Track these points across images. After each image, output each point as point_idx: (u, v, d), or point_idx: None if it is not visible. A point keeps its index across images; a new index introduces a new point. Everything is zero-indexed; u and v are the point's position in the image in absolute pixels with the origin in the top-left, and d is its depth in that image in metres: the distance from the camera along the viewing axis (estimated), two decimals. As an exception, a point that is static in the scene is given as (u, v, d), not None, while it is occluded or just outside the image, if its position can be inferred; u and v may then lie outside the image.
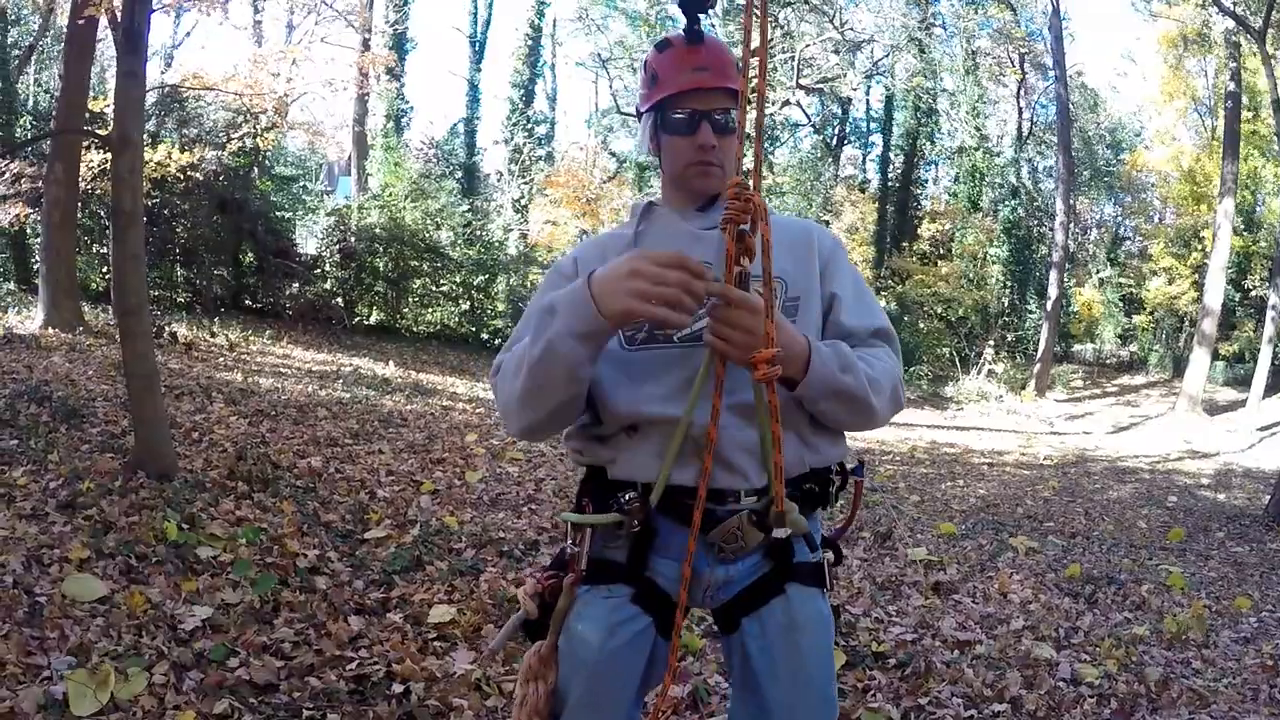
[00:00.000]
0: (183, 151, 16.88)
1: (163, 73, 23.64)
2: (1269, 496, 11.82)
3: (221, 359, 12.98)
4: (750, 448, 1.62)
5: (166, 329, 13.68)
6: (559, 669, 1.71)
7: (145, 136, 16.44)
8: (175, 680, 3.13)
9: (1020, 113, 36.12)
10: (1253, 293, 31.24)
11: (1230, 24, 24.77)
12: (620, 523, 1.63)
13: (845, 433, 1.79)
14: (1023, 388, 27.68)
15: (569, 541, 1.74)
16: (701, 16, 1.80)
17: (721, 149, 1.78)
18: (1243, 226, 29.97)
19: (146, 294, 6.11)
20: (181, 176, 16.70)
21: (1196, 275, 31.41)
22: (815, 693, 1.70)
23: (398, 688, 3.30)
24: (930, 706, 3.80)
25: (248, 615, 3.75)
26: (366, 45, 26.17)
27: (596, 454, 1.71)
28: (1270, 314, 24.51)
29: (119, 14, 6.13)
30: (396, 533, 5.33)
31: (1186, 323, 32.76)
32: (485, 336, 23.54)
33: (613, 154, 35.63)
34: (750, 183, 1.63)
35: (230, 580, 4.10)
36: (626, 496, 1.62)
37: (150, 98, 18.25)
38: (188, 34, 29.72)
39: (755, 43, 1.64)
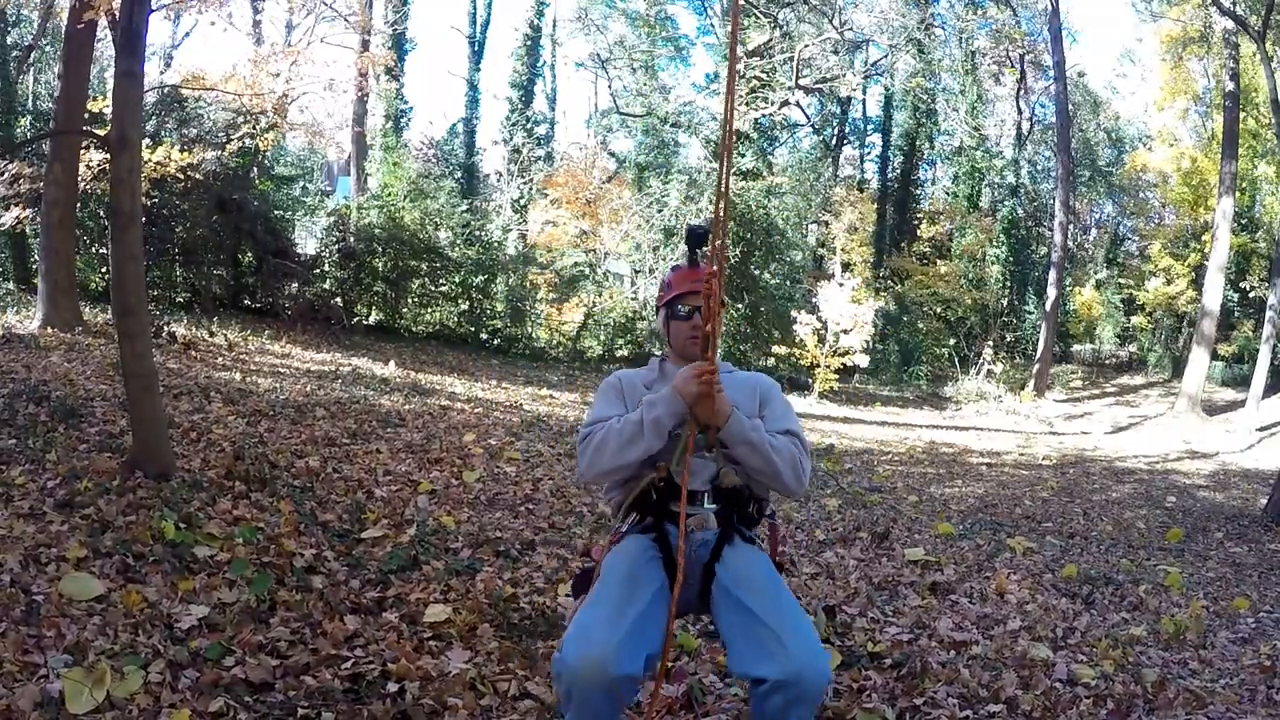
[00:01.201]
0: (182, 152, 16.87)
1: (162, 73, 23.69)
2: (1267, 497, 11.83)
3: (220, 359, 12.98)
4: (703, 474, 2.82)
5: (165, 329, 13.68)
6: (601, 581, 2.67)
7: (145, 137, 16.52)
8: (171, 678, 3.13)
9: (1020, 113, 36.17)
10: (1251, 293, 31.23)
11: (1229, 24, 24.77)
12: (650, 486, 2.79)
13: (774, 493, 2.93)
14: (1022, 388, 27.70)
15: (620, 524, 2.93)
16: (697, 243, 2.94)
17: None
18: (1241, 227, 29.96)
19: (145, 294, 6.11)
20: (181, 177, 16.69)
21: (1195, 275, 31.43)
22: (770, 587, 2.62)
23: (393, 687, 3.30)
24: (926, 707, 3.80)
25: (244, 614, 3.75)
26: (366, 45, 26.19)
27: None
28: (1269, 314, 24.49)
29: (118, 14, 6.13)
30: (393, 532, 5.33)
31: (1185, 323, 32.77)
32: (484, 336, 23.56)
33: (612, 154, 35.68)
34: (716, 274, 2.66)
35: (227, 579, 4.09)
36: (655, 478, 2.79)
37: (150, 98, 18.27)
38: (187, 34, 29.76)
39: (749, 44, 1.78)
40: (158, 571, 4.08)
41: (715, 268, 2.66)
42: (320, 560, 4.60)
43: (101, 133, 8.36)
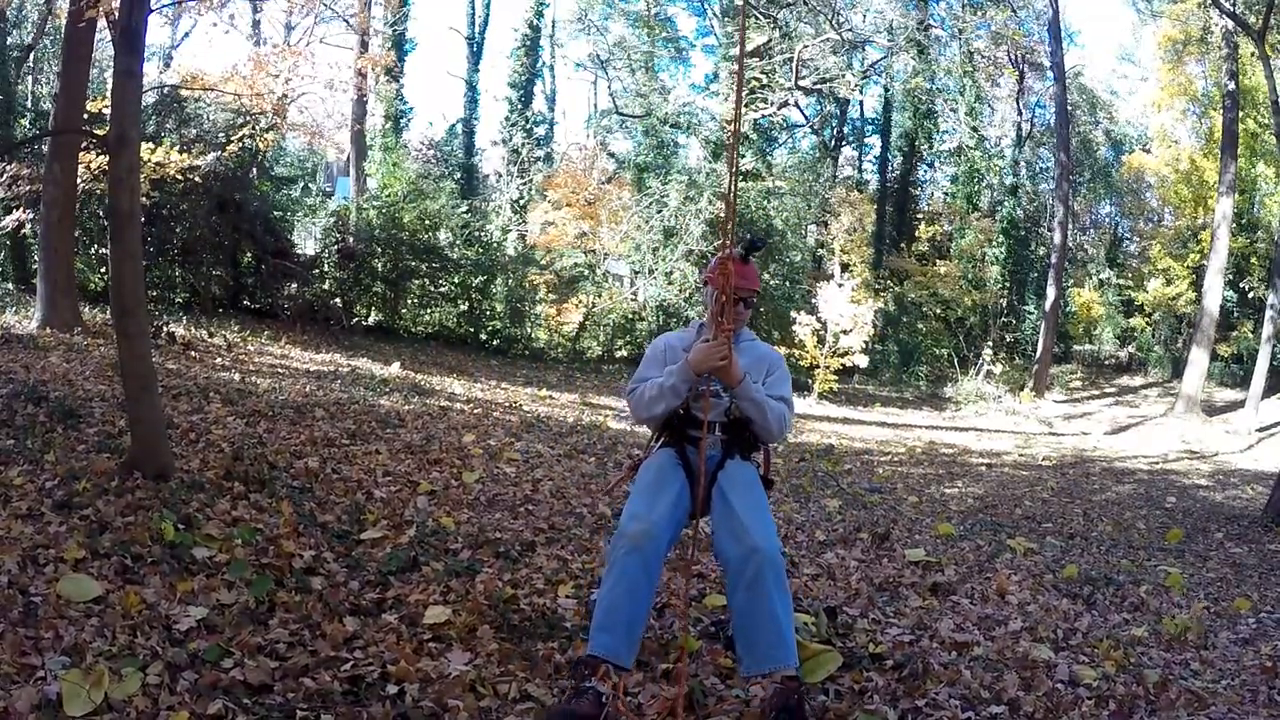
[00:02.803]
0: (182, 152, 16.86)
1: (162, 73, 23.66)
2: (1268, 497, 11.83)
3: (219, 359, 12.97)
4: (717, 409, 3.76)
5: (164, 329, 13.68)
6: (639, 479, 3.74)
7: (144, 137, 16.52)
8: (169, 680, 3.11)
9: (1019, 113, 36.16)
10: (1251, 294, 31.23)
11: (1229, 24, 24.77)
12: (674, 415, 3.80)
13: (763, 436, 3.85)
14: (1021, 388, 27.70)
15: (653, 442, 3.99)
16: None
17: (743, 316, 3.86)
18: (1241, 228, 29.96)
19: (143, 294, 6.09)
20: (181, 177, 16.68)
21: (1195, 276, 31.42)
22: (750, 492, 3.60)
23: (392, 689, 3.28)
24: (927, 708, 3.78)
25: (243, 616, 3.73)
26: (365, 46, 26.21)
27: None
28: (1269, 314, 24.53)
29: (116, 14, 6.12)
30: (393, 533, 5.30)
31: (1185, 324, 32.77)
32: (484, 337, 23.56)
33: (611, 155, 35.67)
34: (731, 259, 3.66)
35: (226, 581, 4.07)
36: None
37: (150, 98, 18.27)
38: (186, 35, 29.75)
39: (749, 44, 1.86)
40: (156, 573, 4.07)
41: (727, 253, 3.61)
42: (319, 561, 4.58)
43: (100, 133, 8.36)
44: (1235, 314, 31.25)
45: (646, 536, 3.29)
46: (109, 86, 8.03)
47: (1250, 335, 29.43)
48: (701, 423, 3.62)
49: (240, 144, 18.89)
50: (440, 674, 3.43)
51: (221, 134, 19.43)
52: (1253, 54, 25.30)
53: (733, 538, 3.36)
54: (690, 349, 3.73)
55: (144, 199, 15.36)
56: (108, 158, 6.20)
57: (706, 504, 3.64)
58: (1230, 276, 28.68)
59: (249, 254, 20.47)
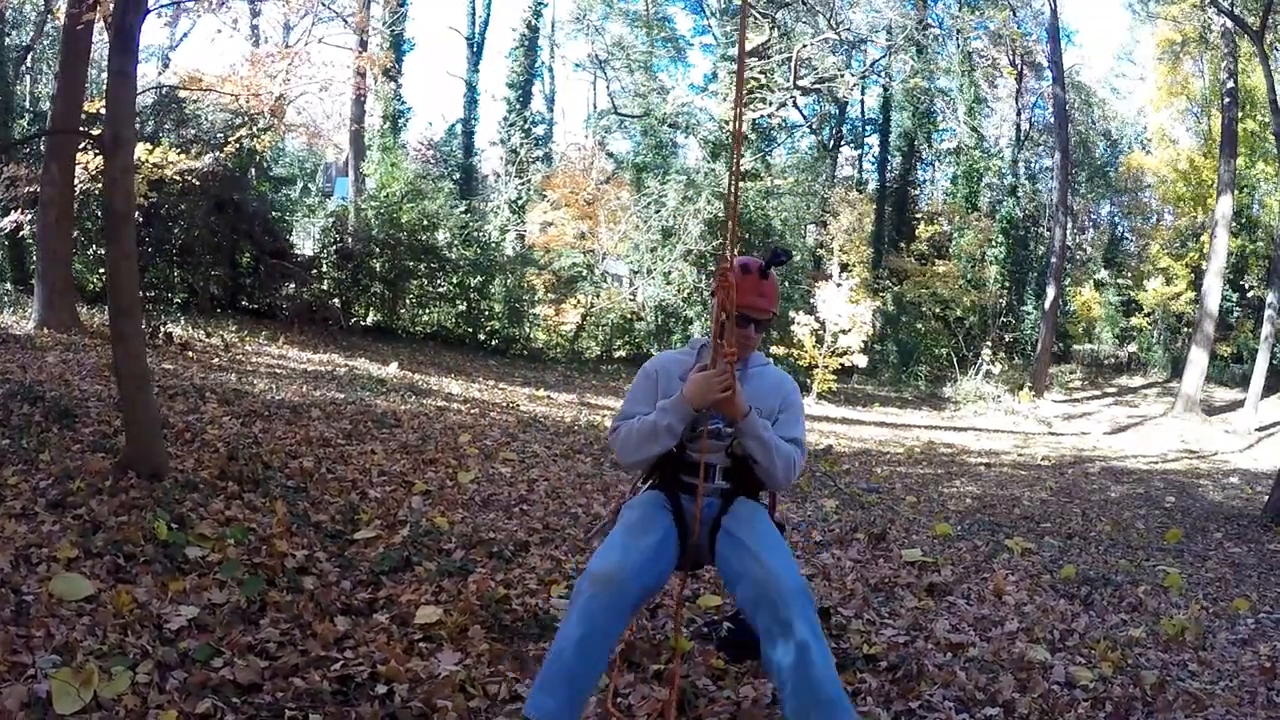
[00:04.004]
0: (180, 153, 16.87)
1: (160, 74, 23.66)
2: (1267, 497, 11.82)
3: (216, 359, 12.95)
4: (717, 450, 3.27)
5: (162, 329, 13.66)
6: (621, 519, 3.17)
7: (143, 139, 16.53)
8: (159, 679, 3.10)
9: (1018, 113, 36.18)
10: (1250, 293, 31.24)
11: (1228, 23, 24.78)
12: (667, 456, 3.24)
13: (767, 482, 3.29)
14: (1020, 388, 27.68)
15: (635, 483, 3.49)
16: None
17: (752, 339, 3.31)
18: (1240, 227, 29.97)
19: (139, 294, 6.08)
20: (179, 178, 16.68)
21: (1194, 276, 31.42)
22: (761, 526, 3.11)
23: (381, 689, 3.27)
24: (921, 710, 3.77)
25: (234, 615, 3.72)
26: (364, 46, 26.19)
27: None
28: (1268, 314, 24.54)
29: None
30: (386, 533, 5.29)
31: (1184, 323, 32.76)
32: (482, 337, 23.54)
33: (610, 155, 35.68)
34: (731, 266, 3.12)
35: (218, 580, 4.06)
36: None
37: (148, 99, 18.28)
38: (185, 35, 29.76)
39: (747, 44, 1.86)
40: (148, 572, 4.06)
41: (728, 264, 3.10)
42: (312, 561, 4.57)
43: (96, 133, 8.35)
44: (1235, 313, 31.26)
45: (613, 581, 2.82)
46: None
47: (1250, 335, 29.43)
48: (697, 466, 3.16)
49: (238, 144, 18.90)
50: (430, 674, 3.42)
51: (220, 134, 19.44)
52: (1251, 53, 25.29)
53: (749, 579, 2.89)
54: (688, 376, 3.20)
55: (142, 199, 15.39)
56: (102, 158, 6.20)
57: (701, 556, 3.26)
58: (1230, 276, 28.69)
59: (247, 254, 20.47)
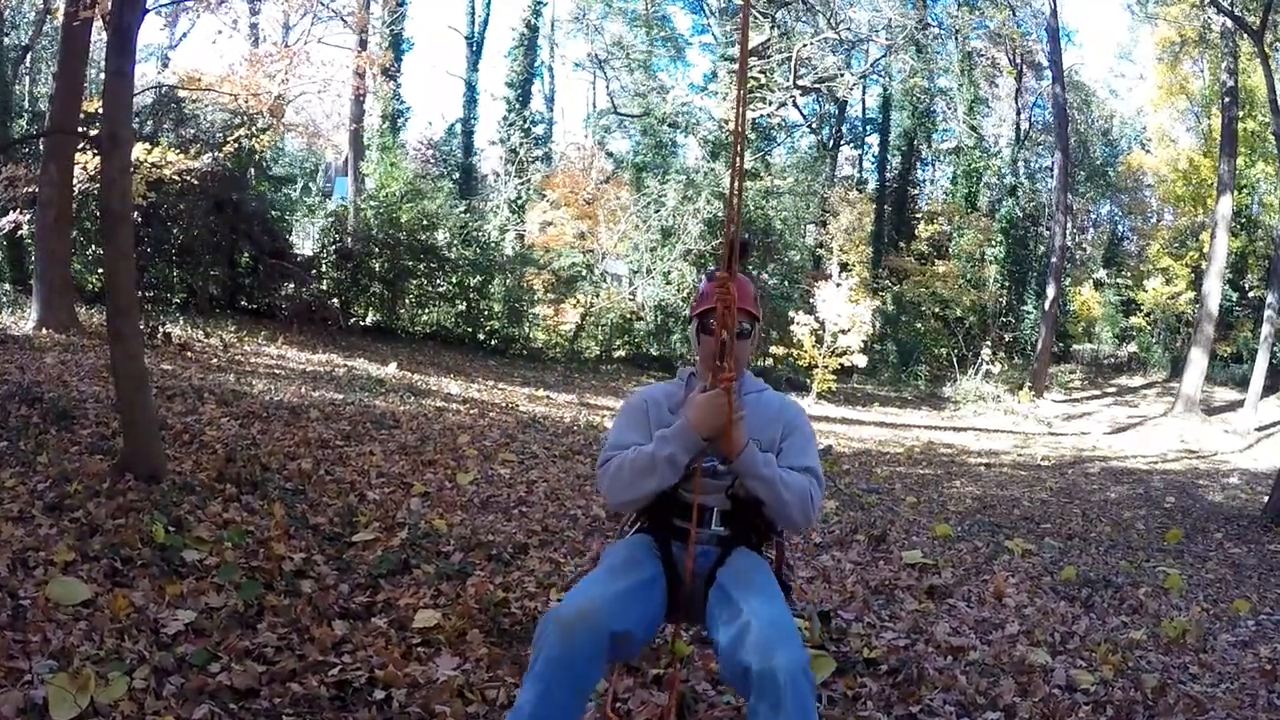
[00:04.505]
0: (179, 153, 16.85)
1: (160, 73, 23.65)
2: (1267, 497, 11.82)
3: (215, 360, 12.93)
4: (714, 492, 2.83)
5: (161, 330, 13.64)
6: (603, 560, 2.77)
7: (142, 138, 16.51)
8: (156, 685, 3.08)
9: (1018, 113, 36.20)
10: (1250, 293, 31.25)
11: (1228, 22, 24.78)
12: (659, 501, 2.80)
13: (783, 525, 2.84)
14: (1020, 388, 27.68)
15: (623, 526, 3.04)
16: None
17: (742, 354, 2.85)
18: (1240, 227, 29.99)
19: (136, 295, 6.06)
20: (178, 178, 16.66)
21: (1194, 275, 31.44)
22: (762, 582, 2.59)
23: (379, 694, 3.25)
24: (922, 714, 3.75)
25: (231, 619, 3.70)
26: (363, 45, 26.16)
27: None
28: (1267, 314, 24.54)
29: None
30: (385, 536, 5.27)
31: (1184, 323, 32.76)
32: (481, 337, 23.51)
33: (610, 154, 35.66)
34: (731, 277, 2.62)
35: (215, 584, 4.04)
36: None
37: (147, 99, 18.25)
38: (184, 35, 29.72)
39: (751, 43, 1.85)
40: (145, 576, 4.04)
41: (729, 271, 2.60)
42: (310, 564, 4.55)
43: (92, 133, 8.32)
44: (1235, 313, 31.25)
45: (586, 623, 2.33)
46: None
47: (1250, 334, 29.42)
48: (690, 509, 2.70)
49: (237, 144, 18.88)
50: (428, 679, 3.40)
51: (219, 134, 19.42)
52: (1252, 53, 25.29)
53: (740, 647, 2.34)
54: (686, 406, 2.78)
55: (141, 199, 15.38)
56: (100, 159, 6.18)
57: (695, 610, 2.78)
58: (1229, 276, 28.72)
59: (246, 254, 20.42)
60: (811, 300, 24.67)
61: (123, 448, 5.71)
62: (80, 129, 13.05)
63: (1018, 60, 35.30)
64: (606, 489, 2.81)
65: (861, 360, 24.07)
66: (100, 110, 13.43)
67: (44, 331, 12.13)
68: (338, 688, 3.27)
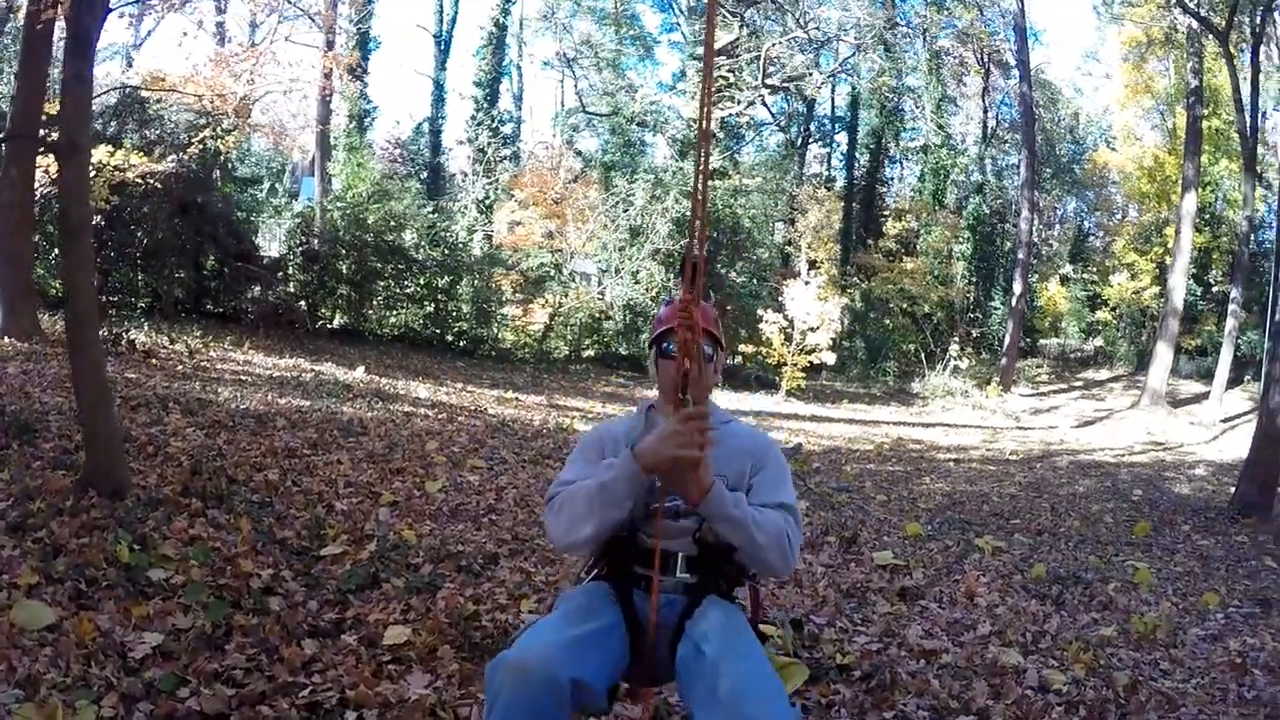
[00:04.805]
0: (144, 154, 16.62)
1: (124, 73, 23.32)
2: (1233, 488, 11.98)
3: (180, 366, 12.76)
4: (679, 535, 2.52)
5: (125, 337, 13.45)
6: (557, 606, 2.49)
7: (105, 140, 16.27)
8: (124, 712, 3.02)
9: (985, 111, 36.48)
10: (1215, 288, 31.67)
11: (1194, 22, 25.12)
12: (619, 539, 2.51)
13: (760, 571, 2.57)
14: (988, 383, 27.91)
15: (579, 573, 2.74)
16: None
17: (696, 372, 2.39)
18: (1204, 223, 30.40)
19: (97, 304, 5.97)
20: (141, 181, 16.44)
21: (1159, 271, 31.81)
22: (741, 642, 2.27)
23: (351, 715, 3.21)
24: (896, 720, 3.76)
25: (199, 641, 3.63)
26: (330, 44, 25.96)
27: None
28: (1231, 308, 24.94)
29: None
30: (353, 548, 5.21)
31: (1149, 317, 33.14)
32: (450, 339, 23.40)
33: (578, 153, 35.57)
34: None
35: (182, 604, 3.96)
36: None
37: (111, 99, 18.00)
38: (150, 33, 29.32)
39: (719, 42, 1.79)
40: (111, 597, 3.95)
41: (693, 292, 2.29)
42: (278, 580, 4.47)
43: (52, 138, 8.18)
44: (1199, 308, 31.67)
45: (543, 671, 2.08)
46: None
47: (1214, 328, 29.83)
48: (651, 555, 2.41)
49: (202, 145, 18.66)
50: (400, 698, 3.35)
51: (183, 135, 19.18)
52: (1217, 53, 25.67)
53: (718, 711, 2.09)
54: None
55: (104, 203, 15.17)
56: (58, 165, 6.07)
57: (660, 669, 2.48)
58: (1194, 271, 29.13)
59: (212, 257, 20.20)
60: (780, 298, 24.75)
61: (85, 462, 5.60)
62: (41, 132, 12.83)
63: (985, 59, 35.56)
64: (549, 526, 2.55)
65: (830, 357, 24.19)
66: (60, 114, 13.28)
67: (6, 340, 11.91)
68: (309, 709, 3.22)
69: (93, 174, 14.09)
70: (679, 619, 2.41)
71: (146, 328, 15.38)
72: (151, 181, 16.71)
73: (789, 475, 2.65)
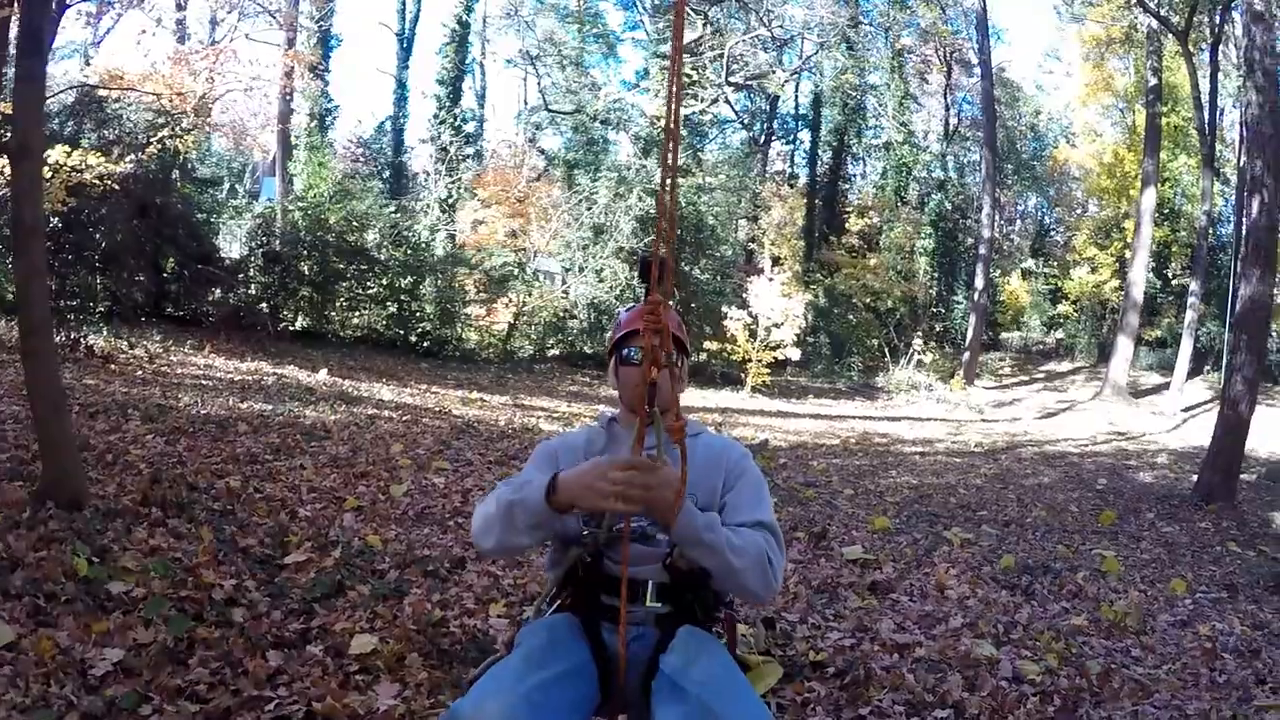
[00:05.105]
0: (101, 155, 16.33)
1: (82, 71, 22.93)
2: (1196, 476, 12.13)
3: (140, 372, 12.56)
4: (648, 561, 2.29)
5: (83, 342, 13.22)
6: (518, 646, 2.20)
7: (61, 140, 15.97)
8: (85, 731, 2.94)
9: (947, 109, 36.79)
10: (1174, 280, 32.19)
11: (1153, 22, 25.47)
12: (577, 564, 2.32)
13: (740, 597, 2.45)
14: (952, 376, 28.13)
15: (540, 604, 2.46)
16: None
17: (660, 379, 2.08)
18: (1163, 218, 30.87)
19: (50, 311, 5.82)
20: (99, 182, 16.14)
21: (1119, 264, 32.28)
22: (725, 675, 2.05)
23: (318, 727, 3.14)
24: (872, 716, 3.76)
25: (161, 656, 3.52)
26: (291, 42, 25.70)
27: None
28: (1190, 301, 25.34)
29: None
30: (317, 555, 5.10)
31: (1109, 310, 33.60)
32: (413, 339, 23.20)
33: (541, 152, 35.46)
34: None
35: (143, 618, 3.84)
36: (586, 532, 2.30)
37: (68, 98, 17.68)
38: (109, 31, 28.78)
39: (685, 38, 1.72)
40: (70, 612, 3.81)
41: (662, 294, 2.00)
42: (241, 591, 4.34)
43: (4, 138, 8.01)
44: (1159, 300, 32.17)
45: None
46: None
47: (1174, 320, 30.31)
48: (618, 583, 2.17)
49: (161, 145, 18.36)
50: (368, 708, 3.29)
51: (142, 135, 18.86)
52: (1175, 51, 26.07)
53: None
54: (601, 455, 2.37)
55: (62, 205, 14.88)
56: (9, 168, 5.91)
57: (634, 709, 2.27)
58: (1154, 265, 29.60)
59: (171, 260, 19.89)
60: (744, 295, 24.76)
61: (42, 473, 5.45)
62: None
63: (947, 57, 35.82)
64: (473, 529, 2.35)
65: (795, 353, 24.25)
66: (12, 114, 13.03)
67: (-42, 347, 11.69)
68: (274, 724, 3.15)
69: (49, 175, 13.82)
70: (651, 653, 2.19)
71: (105, 333, 15.10)
72: (109, 183, 16.40)
73: (766, 490, 2.41)
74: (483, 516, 2.26)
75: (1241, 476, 12.14)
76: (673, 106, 1.76)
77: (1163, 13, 24.53)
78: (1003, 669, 4.41)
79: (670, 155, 1.86)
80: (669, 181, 1.87)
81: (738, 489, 2.36)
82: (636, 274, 2.18)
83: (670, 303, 2.02)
